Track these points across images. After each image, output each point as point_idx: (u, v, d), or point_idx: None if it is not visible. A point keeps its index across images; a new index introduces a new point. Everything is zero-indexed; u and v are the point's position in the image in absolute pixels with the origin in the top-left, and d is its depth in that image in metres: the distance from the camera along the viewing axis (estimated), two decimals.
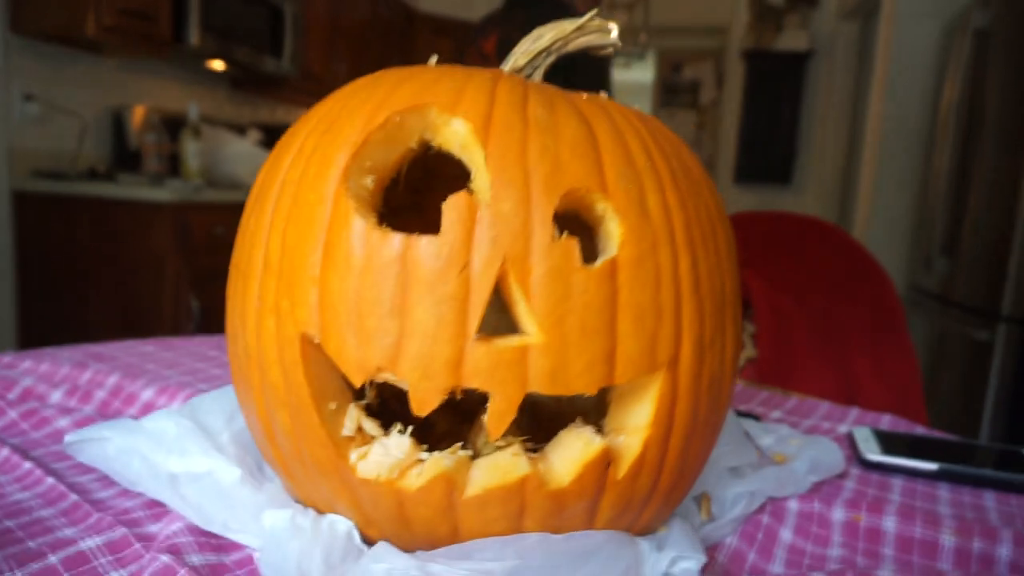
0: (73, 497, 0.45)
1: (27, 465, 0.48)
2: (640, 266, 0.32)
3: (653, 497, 0.36)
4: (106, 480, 0.48)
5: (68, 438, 0.45)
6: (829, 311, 1.45)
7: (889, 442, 0.63)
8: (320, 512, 0.36)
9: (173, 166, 2.84)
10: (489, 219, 0.31)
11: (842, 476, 0.58)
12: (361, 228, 0.32)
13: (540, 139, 0.32)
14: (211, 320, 2.41)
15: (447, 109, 0.33)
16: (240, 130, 3.30)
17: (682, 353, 0.33)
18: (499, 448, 0.34)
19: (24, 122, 2.40)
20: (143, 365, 0.75)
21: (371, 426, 0.35)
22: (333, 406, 0.34)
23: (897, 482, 0.58)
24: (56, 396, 0.63)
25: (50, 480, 0.47)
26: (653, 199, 0.33)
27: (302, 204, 0.33)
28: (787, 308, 1.41)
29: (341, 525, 0.35)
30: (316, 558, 0.33)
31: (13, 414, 0.57)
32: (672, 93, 5.61)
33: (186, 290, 2.39)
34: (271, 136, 3.39)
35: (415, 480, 0.33)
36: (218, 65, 3.03)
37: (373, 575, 0.31)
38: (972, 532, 0.46)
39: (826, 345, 1.39)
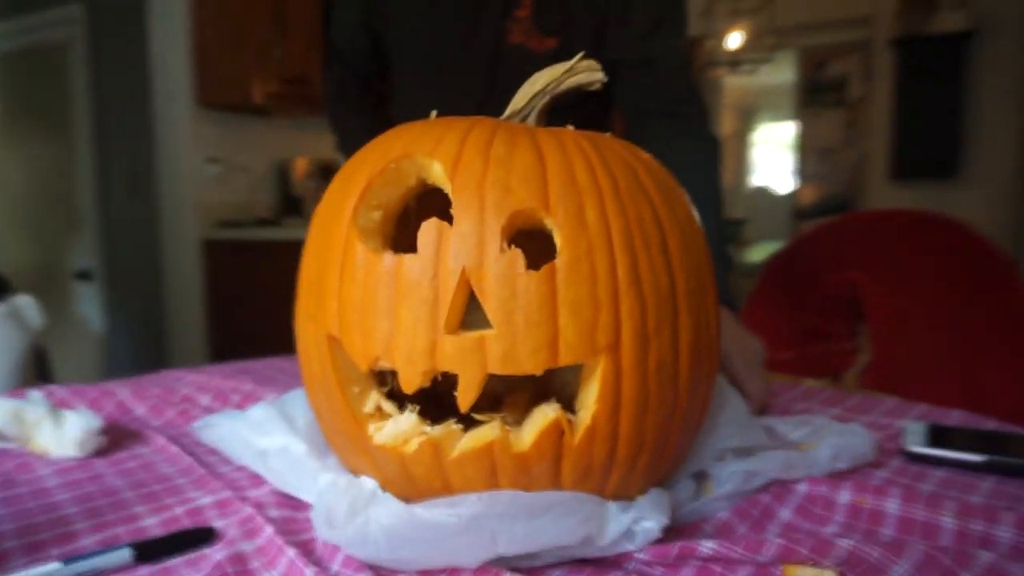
0: (201, 471, 0.59)
1: (175, 448, 0.63)
2: (576, 268, 0.39)
3: (615, 464, 0.42)
4: (227, 459, 0.62)
5: (195, 424, 0.60)
6: (958, 316, 1.35)
7: (941, 435, 0.63)
8: (356, 475, 0.47)
9: None
10: (453, 238, 0.40)
11: (876, 466, 0.59)
12: (363, 251, 0.42)
13: (495, 172, 0.41)
14: None
15: (428, 155, 0.43)
16: None
17: (623, 339, 0.40)
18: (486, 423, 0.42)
19: (208, 180, 2.83)
20: (276, 376, 0.91)
21: (389, 406, 0.45)
22: (356, 390, 0.44)
23: (937, 473, 0.58)
24: (205, 400, 0.80)
25: (188, 459, 0.61)
26: (592, 212, 0.40)
27: (327, 236, 0.44)
28: (906, 312, 1.34)
29: (368, 484, 0.45)
30: (343, 507, 0.43)
31: (171, 413, 0.74)
32: (817, 92, 5.33)
33: None
34: None
35: (412, 445, 0.42)
36: None
37: (375, 517, 0.40)
38: (975, 515, 0.46)
39: (953, 353, 1.30)
